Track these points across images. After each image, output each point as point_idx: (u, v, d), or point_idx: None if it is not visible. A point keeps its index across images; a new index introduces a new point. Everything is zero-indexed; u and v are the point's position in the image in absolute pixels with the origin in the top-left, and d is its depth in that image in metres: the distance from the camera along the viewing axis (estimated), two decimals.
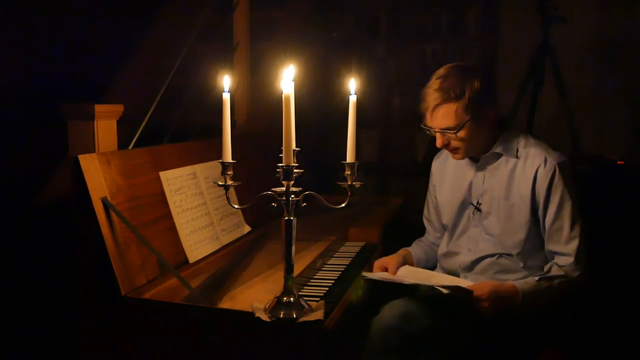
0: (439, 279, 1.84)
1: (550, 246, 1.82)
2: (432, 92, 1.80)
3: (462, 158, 1.90)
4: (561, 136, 3.33)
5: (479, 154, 1.90)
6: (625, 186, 3.00)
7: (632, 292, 2.66)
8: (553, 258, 1.82)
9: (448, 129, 1.80)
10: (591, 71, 3.52)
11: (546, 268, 1.80)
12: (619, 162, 3.12)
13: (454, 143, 1.84)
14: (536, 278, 1.73)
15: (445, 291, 1.66)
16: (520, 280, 1.75)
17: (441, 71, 1.83)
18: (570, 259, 1.77)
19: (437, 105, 1.79)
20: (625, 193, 2.95)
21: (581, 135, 3.33)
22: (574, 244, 1.77)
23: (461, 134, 1.80)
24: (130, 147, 2.01)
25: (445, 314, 1.71)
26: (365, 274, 1.88)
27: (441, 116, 1.79)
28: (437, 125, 1.82)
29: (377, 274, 1.86)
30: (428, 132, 1.87)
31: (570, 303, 1.87)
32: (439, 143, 1.86)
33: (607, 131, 3.48)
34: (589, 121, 3.45)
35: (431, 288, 1.70)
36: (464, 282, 1.75)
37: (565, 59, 3.34)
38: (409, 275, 1.89)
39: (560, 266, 1.78)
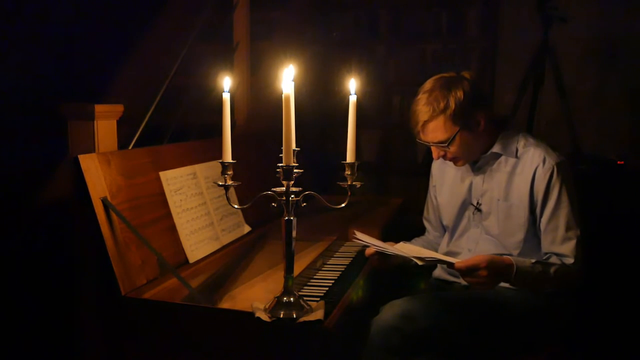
0: (425, 254, 1.77)
1: (546, 247, 1.81)
2: (419, 109, 1.81)
3: (463, 165, 1.92)
4: (561, 136, 3.33)
5: (479, 155, 1.91)
6: (625, 186, 3.01)
7: (632, 292, 2.66)
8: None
9: (440, 142, 1.81)
10: (591, 71, 3.52)
11: (544, 257, 1.80)
12: (619, 162, 3.12)
13: (450, 154, 1.85)
14: (532, 260, 1.72)
15: (420, 262, 1.65)
16: (518, 258, 1.73)
17: (426, 85, 1.84)
18: (569, 260, 1.76)
19: (425, 122, 1.81)
20: (625, 193, 2.95)
21: (581, 135, 3.33)
22: (569, 245, 1.77)
23: (454, 144, 1.81)
24: (130, 147, 2.01)
25: (445, 314, 1.71)
26: (355, 234, 1.83)
27: (431, 131, 1.81)
28: (430, 140, 1.83)
29: (366, 238, 1.82)
30: (425, 145, 1.88)
31: (566, 304, 1.87)
32: (435, 156, 1.88)
33: (607, 131, 3.48)
34: (589, 121, 3.46)
35: (412, 260, 1.67)
36: (449, 258, 1.71)
37: (565, 59, 3.34)
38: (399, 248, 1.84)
39: (560, 259, 1.78)
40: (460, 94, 1.78)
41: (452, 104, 1.77)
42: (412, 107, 1.85)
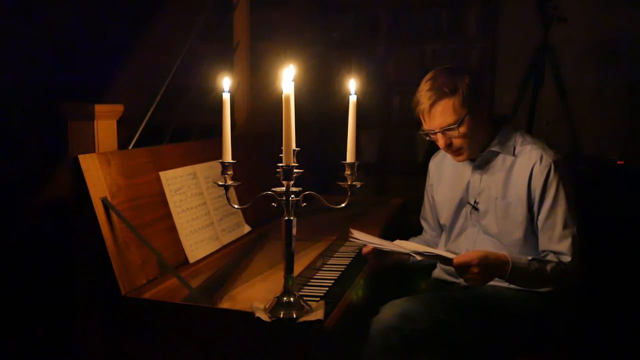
0: (422, 250, 1.76)
1: (543, 244, 1.81)
2: (425, 93, 1.81)
3: (466, 159, 1.90)
4: (561, 136, 3.33)
5: (478, 152, 1.90)
6: (625, 186, 3.01)
7: (632, 291, 2.66)
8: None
9: (449, 125, 1.80)
10: (591, 71, 3.52)
11: (542, 254, 1.80)
12: (619, 162, 3.13)
13: (457, 142, 1.83)
14: (529, 258, 1.72)
15: (419, 258, 1.65)
16: (515, 255, 1.73)
17: (429, 75, 1.86)
18: (566, 258, 1.76)
19: (433, 103, 1.80)
20: (625, 193, 2.95)
21: (581, 135, 3.34)
22: (566, 243, 1.76)
23: (462, 129, 1.80)
24: (130, 147, 2.01)
25: (445, 314, 1.71)
26: (352, 233, 1.82)
27: (439, 114, 1.80)
28: (438, 125, 1.82)
29: (362, 236, 1.81)
30: (428, 138, 1.87)
31: (566, 304, 1.87)
32: (441, 144, 1.86)
33: (607, 131, 3.48)
34: (589, 121, 3.46)
35: (412, 255, 1.69)
36: (447, 253, 1.72)
37: (565, 59, 3.35)
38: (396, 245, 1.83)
39: (557, 257, 1.77)
40: (466, 79, 1.79)
41: (460, 88, 1.78)
42: (416, 96, 1.85)
